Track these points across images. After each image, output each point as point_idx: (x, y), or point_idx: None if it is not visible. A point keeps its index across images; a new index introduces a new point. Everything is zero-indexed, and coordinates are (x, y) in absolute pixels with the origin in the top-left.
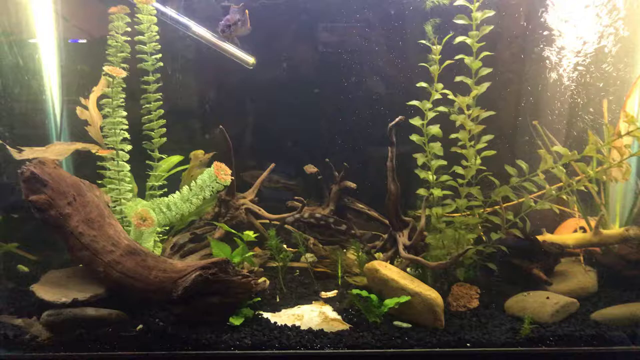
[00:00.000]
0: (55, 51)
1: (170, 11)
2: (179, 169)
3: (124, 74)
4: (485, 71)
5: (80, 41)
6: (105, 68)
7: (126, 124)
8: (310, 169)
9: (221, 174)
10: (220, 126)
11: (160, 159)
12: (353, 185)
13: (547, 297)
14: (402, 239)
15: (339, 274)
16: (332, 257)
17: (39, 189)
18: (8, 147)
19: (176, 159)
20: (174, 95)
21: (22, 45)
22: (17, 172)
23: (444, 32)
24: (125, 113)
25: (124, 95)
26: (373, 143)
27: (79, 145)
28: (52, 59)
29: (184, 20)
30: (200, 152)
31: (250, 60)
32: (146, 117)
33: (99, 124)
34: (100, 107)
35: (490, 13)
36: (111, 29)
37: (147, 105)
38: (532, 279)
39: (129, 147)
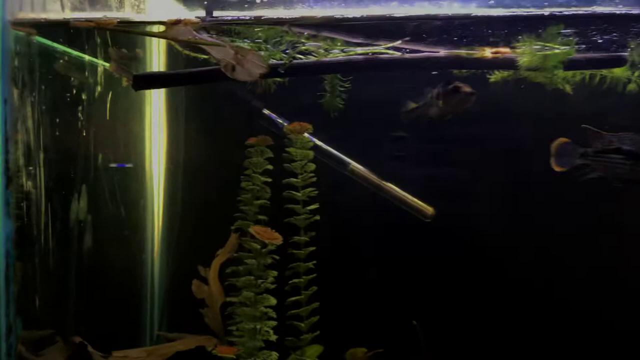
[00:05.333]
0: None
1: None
2: None
3: (279, 239)
4: None
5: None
6: (253, 229)
7: (274, 319)
8: None
9: None
10: (414, 322)
11: None
12: None
13: None
14: None
15: None
16: None
17: None
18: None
19: (317, 349)
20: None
21: None
22: None
23: None
24: (274, 301)
25: (274, 274)
26: None
27: (191, 343)
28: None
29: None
30: (360, 350)
31: (429, 211)
32: (291, 298)
33: (220, 303)
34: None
35: None
36: (248, 166)
37: (296, 281)
38: None
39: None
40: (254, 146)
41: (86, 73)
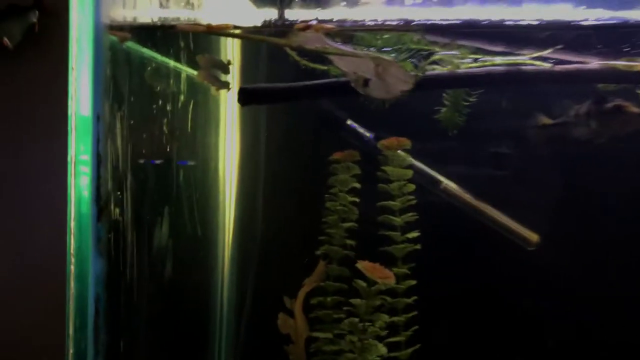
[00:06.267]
0: None
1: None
2: None
3: (391, 278)
4: None
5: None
6: (361, 264)
7: None
8: None
9: None
10: None
11: None
12: None
13: None
14: None
15: None
16: None
17: None
18: None
19: None
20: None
21: None
22: None
23: None
24: (384, 351)
25: (385, 320)
26: None
27: None
28: None
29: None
30: None
31: (534, 238)
32: (390, 339)
33: (304, 338)
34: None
35: None
36: (333, 184)
37: (395, 319)
38: None
39: None
40: (339, 162)
41: (171, 81)
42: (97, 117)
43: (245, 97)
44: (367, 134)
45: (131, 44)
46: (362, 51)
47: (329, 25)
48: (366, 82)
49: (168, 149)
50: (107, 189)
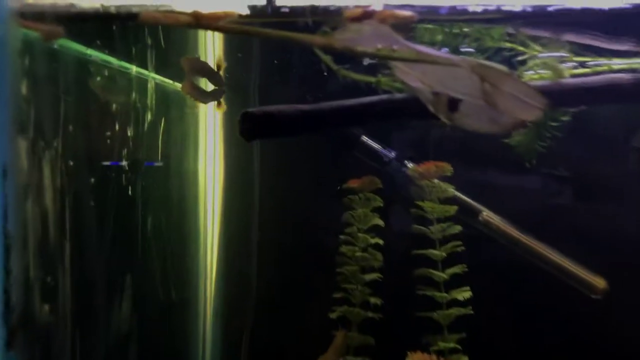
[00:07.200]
0: None
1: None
2: None
3: None
4: None
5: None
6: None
7: None
8: None
9: None
10: None
11: None
12: None
13: None
14: None
15: None
16: None
17: None
18: None
19: None
20: None
21: None
22: None
23: None
24: None
25: None
26: None
27: None
28: None
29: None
30: None
31: (600, 284)
32: None
33: None
34: None
35: None
36: (349, 221)
37: None
38: None
39: None
40: (356, 191)
41: (133, 93)
42: (3, 174)
43: (253, 126)
44: (387, 153)
45: (65, 43)
46: (460, 57)
47: (404, 13)
48: (454, 104)
49: (130, 191)
50: (26, 286)
